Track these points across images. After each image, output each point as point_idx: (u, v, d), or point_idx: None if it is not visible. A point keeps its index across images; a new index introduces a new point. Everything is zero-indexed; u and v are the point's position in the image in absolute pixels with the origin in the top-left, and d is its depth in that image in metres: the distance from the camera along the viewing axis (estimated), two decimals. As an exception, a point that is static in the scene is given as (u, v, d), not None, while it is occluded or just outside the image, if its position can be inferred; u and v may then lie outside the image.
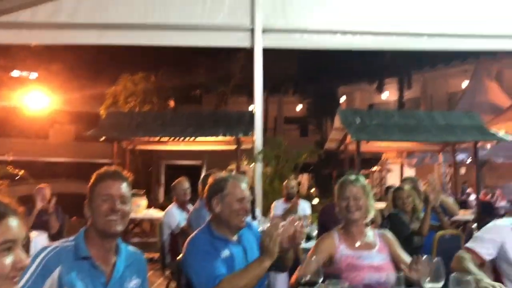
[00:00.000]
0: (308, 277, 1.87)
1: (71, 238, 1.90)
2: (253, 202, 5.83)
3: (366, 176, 20.20)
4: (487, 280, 2.16)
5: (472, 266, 2.32)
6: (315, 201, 10.73)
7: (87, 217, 1.89)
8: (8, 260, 1.09)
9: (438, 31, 7.14)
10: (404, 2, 7.11)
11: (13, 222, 1.13)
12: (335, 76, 20.88)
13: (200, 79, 18.21)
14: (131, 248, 2.05)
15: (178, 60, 17.00)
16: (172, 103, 18.48)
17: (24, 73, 22.01)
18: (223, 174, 2.58)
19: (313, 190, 18.47)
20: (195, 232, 2.42)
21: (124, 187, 1.90)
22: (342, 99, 24.44)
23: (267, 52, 7.22)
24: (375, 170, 20.39)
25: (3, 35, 6.81)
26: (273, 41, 7.15)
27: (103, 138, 9.13)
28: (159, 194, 18.77)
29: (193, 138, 8.64)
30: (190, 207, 4.97)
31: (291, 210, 5.75)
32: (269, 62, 7.45)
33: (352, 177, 2.65)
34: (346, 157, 10.66)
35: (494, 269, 2.52)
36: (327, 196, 9.59)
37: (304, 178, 20.06)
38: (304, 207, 6.22)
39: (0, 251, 1.08)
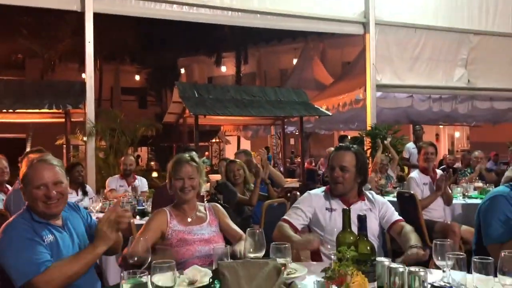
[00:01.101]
0: (136, 258, 1.82)
1: None
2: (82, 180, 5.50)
3: (206, 149, 20.73)
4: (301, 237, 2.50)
5: (289, 232, 2.60)
6: (154, 174, 10.63)
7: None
8: None
9: (270, 9, 7.57)
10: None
11: None
12: (175, 47, 20.64)
13: (23, 42, 16.22)
14: None
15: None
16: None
17: None
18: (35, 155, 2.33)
19: (152, 163, 18.25)
20: (12, 217, 2.18)
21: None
22: (182, 70, 24.36)
23: (102, 16, 6.78)
24: (214, 142, 21.02)
25: None
26: (105, 6, 6.74)
27: None
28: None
29: (14, 109, 7.72)
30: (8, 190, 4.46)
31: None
32: (104, 28, 7.01)
33: (187, 156, 2.67)
34: (185, 130, 10.74)
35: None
36: (166, 169, 9.54)
37: (143, 151, 19.67)
38: (142, 184, 6.06)
39: None
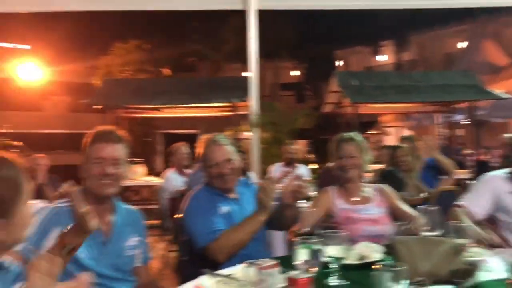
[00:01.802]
0: (305, 230, 1.87)
1: (68, 199, 1.88)
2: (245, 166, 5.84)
3: (364, 140, 20.32)
4: (481, 231, 2.19)
5: (466, 219, 2.34)
6: (313, 166, 10.77)
7: (81, 178, 1.87)
8: None
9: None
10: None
11: None
12: (332, 39, 20.62)
13: (194, 47, 17.97)
14: (128, 206, 2.05)
15: (170, 26, 16.73)
16: (166, 72, 18.26)
17: (17, 45, 21.67)
18: (207, 137, 2.52)
19: (310, 155, 18.51)
20: (194, 189, 2.44)
21: (118, 149, 1.85)
22: (338, 63, 24.22)
23: (261, 14, 7.08)
24: (373, 134, 20.44)
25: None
26: (267, 2, 7.00)
27: (99, 107, 9.06)
28: (157, 163, 18.80)
29: (188, 104, 8.57)
30: (189, 173, 4.97)
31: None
32: (264, 26, 7.33)
33: (348, 135, 2.64)
34: (343, 121, 10.64)
35: (491, 222, 2.54)
36: (324, 162, 9.62)
37: (301, 143, 20.11)
38: (304, 172, 6.19)
39: None
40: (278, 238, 3.74)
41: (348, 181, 2.59)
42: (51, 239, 1.72)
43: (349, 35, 20.00)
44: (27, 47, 21.47)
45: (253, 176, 5.92)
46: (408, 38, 21.77)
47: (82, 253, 1.76)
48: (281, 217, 2.30)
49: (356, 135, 2.66)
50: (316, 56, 21.17)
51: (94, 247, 1.81)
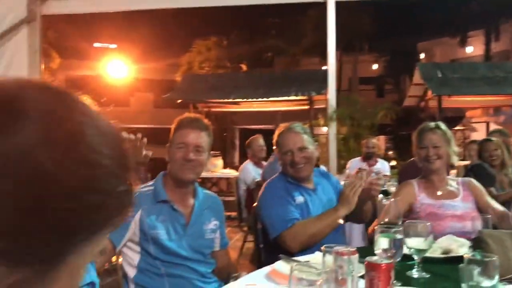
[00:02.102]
0: (387, 220, 1.79)
1: (150, 182, 1.96)
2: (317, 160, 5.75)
3: (448, 136, 19.26)
4: None
5: None
6: (393, 163, 10.42)
7: (167, 161, 1.94)
8: None
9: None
10: None
11: None
12: (414, 31, 19.72)
13: (271, 42, 18.09)
14: (207, 192, 2.10)
15: (249, 22, 16.97)
16: (244, 67, 18.57)
17: (106, 44, 23.15)
18: (284, 124, 2.50)
19: (390, 152, 17.89)
20: (271, 178, 2.43)
21: (202, 137, 1.90)
22: (422, 55, 23.12)
23: (340, 6, 6.94)
24: (458, 130, 19.31)
25: (80, 4, 7.10)
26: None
27: (179, 101, 9.41)
28: (234, 157, 19.20)
29: (265, 98, 8.64)
30: (264, 164, 5.02)
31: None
32: (343, 19, 7.17)
33: (431, 124, 2.50)
34: (427, 115, 10.15)
35: None
36: (405, 158, 9.26)
37: (381, 139, 19.47)
38: (383, 167, 6.00)
39: None
40: (357, 231, 3.67)
41: (432, 173, 2.45)
42: (133, 225, 1.80)
43: (433, 25, 18.98)
44: (114, 46, 22.85)
45: (325, 169, 5.84)
46: (499, 27, 20.26)
47: (163, 235, 1.82)
48: (358, 211, 2.23)
49: (440, 124, 2.51)
50: (398, 48, 20.39)
51: (175, 230, 1.86)
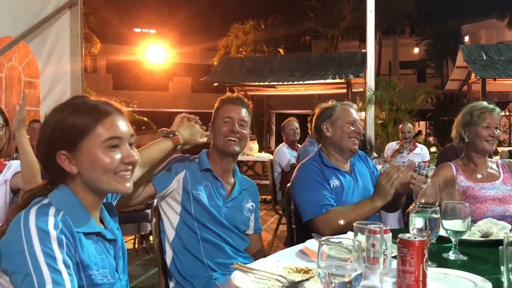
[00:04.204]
0: (424, 200, 1.71)
1: (194, 156, 2.02)
2: (364, 143, 5.66)
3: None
4: None
5: None
6: (433, 149, 10.15)
7: (210, 138, 1.97)
8: (116, 155, 1.12)
9: None
10: None
11: (120, 121, 1.15)
12: (458, 12, 18.95)
13: (309, 25, 17.84)
14: (245, 176, 2.15)
15: (286, 5, 16.80)
16: (281, 51, 18.44)
17: (145, 30, 23.50)
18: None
19: (431, 138, 17.42)
20: (305, 159, 2.39)
21: (244, 112, 1.97)
22: (466, 38, 22.24)
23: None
24: (503, 115, 18.56)
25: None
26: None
27: (216, 84, 9.45)
28: (270, 142, 19.21)
29: (302, 81, 8.54)
30: (300, 147, 4.99)
31: (399, 150, 5.49)
32: (383, 1, 6.98)
33: (490, 104, 2.40)
34: (469, 100, 9.80)
35: None
36: (444, 144, 8.99)
37: (421, 125, 18.96)
38: (423, 152, 5.85)
39: (107, 147, 1.11)
40: (392, 216, 3.60)
41: (484, 154, 2.36)
42: (177, 181, 1.87)
43: (479, 7, 18.16)
44: (153, 31, 23.16)
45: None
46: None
47: (204, 198, 1.88)
48: (395, 203, 2.17)
49: (496, 106, 2.41)
50: (441, 31, 19.66)
51: (216, 197, 1.92)
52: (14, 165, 2.39)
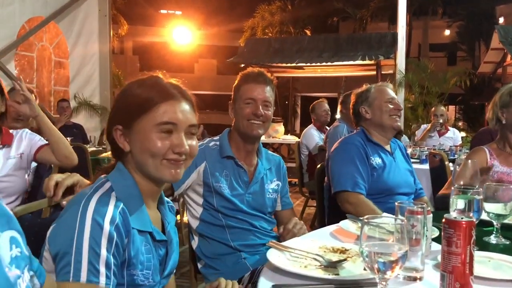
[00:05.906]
0: (462, 182, 1.64)
1: (216, 137, 1.96)
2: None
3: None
4: None
5: None
6: (462, 134, 9.91)
7: (231, 118, 1.91)
8: (167, 141, 1.07)
9: None
10: None
11: (181, 108, 1.10)
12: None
13: (337, 5, 17.48)
14: (270, 152, 2.07)
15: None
16: (308, 33, 18.17)
17: (171, 11, 23.50)
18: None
19: (460, 123, 16.99)
20: (350, 134, 2.40)
21: (268, 91, 1.86)
22: (501, 20, 21.44)
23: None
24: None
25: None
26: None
27: (242, 65, 9.37)
28: (295, 125, 19.11)
29: (330, 62, 8.39)
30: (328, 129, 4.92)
31: (430, 130, 5.40)
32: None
33: None
34: (504, 83, 9.47)
35: None
36: (476, 130, 8.75)
37: (451, 110, 18.51)
38: (455, 136, 5.69)
39: (161, 131, 1.07)
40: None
41: None
42: (196, 174, 1.83)
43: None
44: (179, 12, 23.13)
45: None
46: None
47: (225, 189, 1.82)
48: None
49: None
50: (474, 12, 19.00)
51: (238, 185, 1.86)
52: (25, 136, 2.31)
